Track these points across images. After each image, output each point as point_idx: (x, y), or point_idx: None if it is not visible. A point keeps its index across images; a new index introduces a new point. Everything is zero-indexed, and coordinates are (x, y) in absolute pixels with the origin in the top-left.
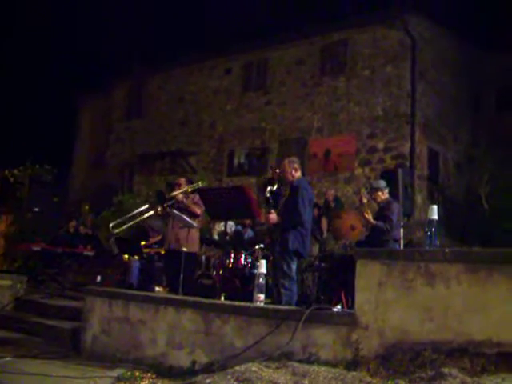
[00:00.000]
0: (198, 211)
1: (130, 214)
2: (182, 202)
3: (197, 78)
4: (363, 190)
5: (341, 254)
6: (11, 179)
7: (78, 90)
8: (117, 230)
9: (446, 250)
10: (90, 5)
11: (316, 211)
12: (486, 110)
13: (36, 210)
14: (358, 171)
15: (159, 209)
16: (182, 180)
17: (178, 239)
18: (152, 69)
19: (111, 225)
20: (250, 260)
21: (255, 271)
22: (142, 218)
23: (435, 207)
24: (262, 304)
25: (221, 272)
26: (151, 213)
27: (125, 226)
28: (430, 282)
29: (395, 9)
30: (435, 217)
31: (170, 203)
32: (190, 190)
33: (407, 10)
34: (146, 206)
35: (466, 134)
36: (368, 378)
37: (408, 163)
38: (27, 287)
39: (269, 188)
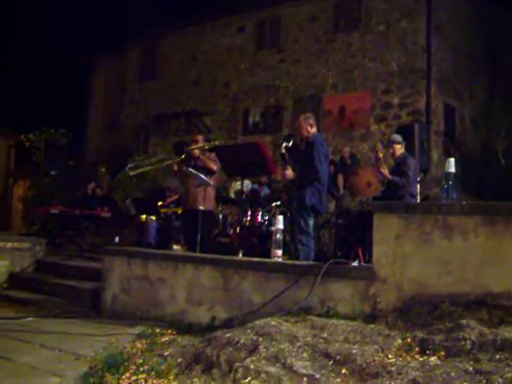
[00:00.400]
0: (215, 167)
1: (148, 161)
2: (199, 157)
3: (210, 36)
4: (379, 145)
5: (358, 211)
6: (27, 144)
7: (91, 51)
8: (133, 173)
9: (464, 203)
10: None
11: (332, 168)
12: (502, 65)
13: (52, 173)
14: (374, 128)
15: (176, 161)
16: (200, 137)
17: (194, 198)
18: (165, 28)
19: (128, 166)
20: (266, 217)
21: (272, 228)
22: (159, 164)
23: (452, 160)
24: (279, 260)
25: (238, 230)
26: (169, 162)
27: (140, 170)
28: (448, 235)
29: None
30: (452, 170)
31: (187, 157)
32: (206, 147)
33: None
34: (164, 156)
35: (482, 90)
36: (386, 331)
37: (424, 119)
38: (46, 250)
39: (284, 144)
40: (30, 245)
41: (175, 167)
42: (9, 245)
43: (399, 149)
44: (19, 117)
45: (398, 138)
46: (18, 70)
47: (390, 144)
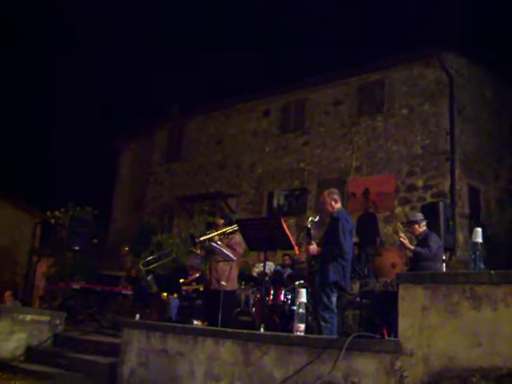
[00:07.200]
0: (234, 258)
1: (165, 251)
2: (216, 243)
3: (235, 119)
4: (399, 225)
5: (383, 291)
6: (52, 221)
7: (119, 133)
8: (144, 269)
9: (492, 272)
10: (133, 50)
11: (356, 250)
12: None
13: (76, 248)
14: (398, 210)
15: (196, 251)
16: (220, 221)
17: (217, 277)
18: (192, 111)
19: (142, 262)
20: (289, 296)
21: (295, 308)
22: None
23: (479, 230)
24: (302, 334)
25: (260, 309)
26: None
27: (155, 264)
28: (476, 306)
29: (432, 47)
30: (479, 239)
31: (206, 241)
32: (228, 231)
33: (444, 47)
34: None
35: (506, 171)
36: None
37: (448, 201)
38: (66, 325)
39: (310, 218)
40: (49, 318)
41: (197, 252)
42: (28, 317)
43: (418, 227)
44: (45, 194)
45: (415, 216)
46: (45, 149)
47: (409, 224)
